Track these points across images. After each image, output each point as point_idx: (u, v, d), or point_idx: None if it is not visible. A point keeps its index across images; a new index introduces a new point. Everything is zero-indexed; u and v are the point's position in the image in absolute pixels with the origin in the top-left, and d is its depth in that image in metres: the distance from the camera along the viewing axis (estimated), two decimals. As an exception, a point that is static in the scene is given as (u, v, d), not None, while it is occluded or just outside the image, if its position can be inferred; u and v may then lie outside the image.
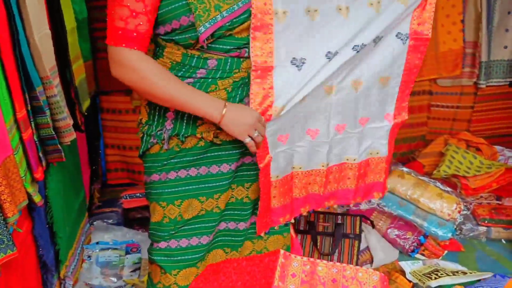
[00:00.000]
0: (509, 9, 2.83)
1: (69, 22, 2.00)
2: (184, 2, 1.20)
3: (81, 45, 2.20)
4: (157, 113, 1.38)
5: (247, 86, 1.36)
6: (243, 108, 1.33)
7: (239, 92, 1.35)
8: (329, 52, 1.43)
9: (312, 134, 1.59)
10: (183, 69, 1.31)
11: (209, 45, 1.28)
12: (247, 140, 1.32)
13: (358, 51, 1.45)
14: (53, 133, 1.54)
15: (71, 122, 1.70)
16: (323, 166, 1.66)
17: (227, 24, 1.25)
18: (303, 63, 1.42)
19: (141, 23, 1.20)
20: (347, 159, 1.70)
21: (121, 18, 1.19)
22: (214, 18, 1.22)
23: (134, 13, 1.18)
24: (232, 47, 1.31)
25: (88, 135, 2.45)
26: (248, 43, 1.32)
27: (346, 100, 1.58)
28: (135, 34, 1.20)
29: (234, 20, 1.26)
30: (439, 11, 2.78)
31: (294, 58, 1.41)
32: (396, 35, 1.54)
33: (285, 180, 1.62)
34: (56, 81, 1.67)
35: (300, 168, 1.63)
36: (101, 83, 2.59)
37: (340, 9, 1.40)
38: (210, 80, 1.31)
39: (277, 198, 1.61)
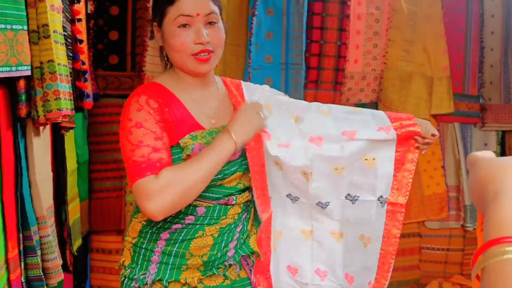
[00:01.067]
0: (484, 141, 3.02)
1: (71, 164, 2.11)
2: (178, 150, 1.27)
3: (79, 185, 2.29)
4: (141, 257, 1.34)
5: (232, 232, 1.37)
6: (239, 114, 1.33)
7: (225, 238, 1.35)
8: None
9: (292, 272, 1.58)
10: (173, 215, 1.29)
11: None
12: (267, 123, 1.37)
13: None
14: (42, 274, 1.52)
15: (61, 262, 1.69)
16: None
17: (220, 175, 1.29)
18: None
19: (163, 157, 1.20)
20: None
21: (143, 156, 1.19)
22: None
23: (155, 150, 1.20)
24: (221, 196, 1.34)
25: (76, 277, 2.39)
26: (236, 192, 1.36)
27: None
28: (158, 164, 1.19)
29: (226, 172, 1.31)
30: (420, 157, 2.93)
31: None
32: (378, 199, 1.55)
33: None
34: (51, 220, 1.70)
35: None
36: (94, 223, 2.61)
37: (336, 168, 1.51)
38: (198, 226, 1.32)
39: None
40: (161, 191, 1.16)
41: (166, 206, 1.17)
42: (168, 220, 1.30)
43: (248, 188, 1.43)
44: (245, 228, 1.42)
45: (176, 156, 1.26)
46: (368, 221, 1.54)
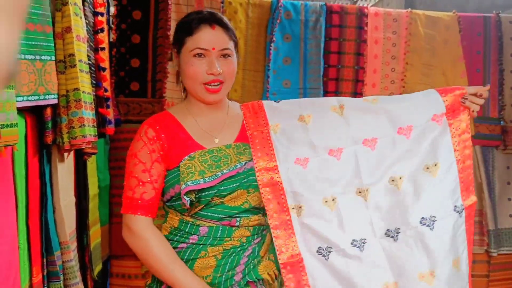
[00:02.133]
0: (508, 180, 2.98)
1: (93, 189, 2.14)
2: (178, 173, 1.32)
3: (100, 210, 2.31)
4: (156, 278, 1.39)
5: (238, 255, 1.36)
6: None
7: (229, 261, 1.35)
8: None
9: None
10: (179, 234, 1.37)
11: (201, 212, 1.34)
12: None
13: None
14: (64, 299, 1.53)
15: (82, 287, 1.69)
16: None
17: (214, 190, 1.31)
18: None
19: (146, 191, 1.31)
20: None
21: (130, 188, 1.32)
22: (196, 180, 1.28)
23: (141, 183, 1.31)
24: (223, 216, 1.34)
25: (95, 301, 2.39)
26: (240, 212, 1.35)
27: None
28: (139, 201, 1.31)
29: (221, 188, 1.32)
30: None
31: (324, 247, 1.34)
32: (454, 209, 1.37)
33: None
34: (74, 245, 1.72)
35: None
36: (114, 247, 2.62)
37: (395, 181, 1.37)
38: (201, 246, 1.34)
39: None
40: (136, 236, 1.32)
41: (131, 246, 1.34)
42: (175, 239, 1.37)
43: (260, 211, 1.39)
44: (256, 253, 1.39)
45: (175, 175, 1.34)
46: (452, 240, 1.33)
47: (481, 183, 2.94)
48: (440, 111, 1.39)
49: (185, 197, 1.28)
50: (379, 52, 2.88)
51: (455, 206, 1.35)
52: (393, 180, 1.36)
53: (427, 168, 1.35)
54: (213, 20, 1.35)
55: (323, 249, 1.34)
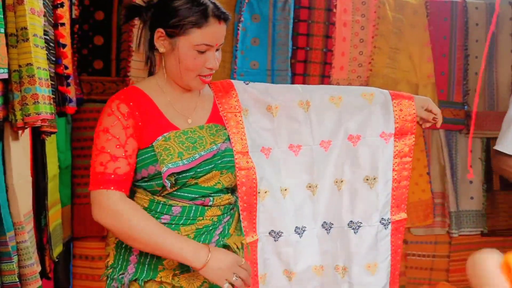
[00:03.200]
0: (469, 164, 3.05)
1: (52, 169, 2.08)
2: (152, 153, 1.29)
3: (61, 190, 2.26)
4: (121, 257, 1.38)
5: (210, 233, 1.37)
6: (224, 254, 1.31)
7: (201, 239, 1.35)
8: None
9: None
10: (149, 214, 1.33)
11: (175, 192, 1.33)
12: (225, 285, 1.28)
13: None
14: (17, 280, 1.50)
15: (38, 269, 1.66)
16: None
17: (191, 172, 1.32)
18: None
19: (120, 166, 1.27)
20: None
21: (101, 164, 1.27)
22: (175, 162, 1.28)
23: (114, 158, 1.26)
24: (197, 196, 1.35)
25: (57, 284, 2.35)
26: (213, 193, 1.37)
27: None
28: (112, 176, 1.26)
29: (198, 169, 1.33)
30: (406, 164, 2.97)
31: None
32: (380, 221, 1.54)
33: None
34: (29, 226, 1.68)
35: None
36: (76, 229, 2.58)
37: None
38: (173, 226, 1.33)
39: None
40: (112, 211, 1.26)
41: (106, 224, 1.28)
42: None
43: (229, 190, 1.43)
44: (226, 232, 1.42)
45: (148, 155, 1.31)
46: (371, 247, 1.52)
47: (444, 166, 3.01)
48: (389, 131, 1.52)
49: (166, 180, 1.27)
50: (348, 35, 2.87)
51: (382, 218, 1.52)
52: (336, 181, 1.53)
53: (367, 179, 1.52)
54: (222, 15, 1.32)
55: (274, 232, 1.49)
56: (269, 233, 1.49)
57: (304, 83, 2.84)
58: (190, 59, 1.31)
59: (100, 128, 1.30)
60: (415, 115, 1.51)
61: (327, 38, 2.83)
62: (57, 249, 2.15)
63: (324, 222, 1.52)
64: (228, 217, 1.43)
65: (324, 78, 2.85)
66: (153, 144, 1.30)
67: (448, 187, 3.00)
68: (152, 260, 1.34)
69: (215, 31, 1.31)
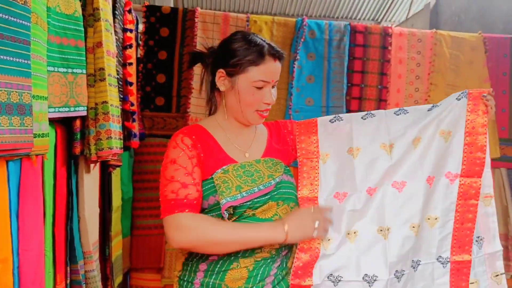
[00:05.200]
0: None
1: (116, 201, 2.17)
2: (212, 184, 1.35)
3: (122, 222, 2.34)
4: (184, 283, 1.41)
5: (268, 266, 1.39)
6: (296, 214, 1.37)
7: (260, 272, 1.37)
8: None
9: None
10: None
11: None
12: (314, 234, 1.35)
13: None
14: (85, 308, 1.55)
15: (103, 297, 1.71)
16: None
17: (248, 203, 1.35)
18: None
19: (190, 192, 1.31)
20: None
21: (172, 191, 1.31)
22: (234, 196, 1.32)
23: (184, 185, 1.31)
24: None
25: (114, 313, 2.41)
26: None
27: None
28: (185, 201, 1.30)
29: (255, 200, 1.37)
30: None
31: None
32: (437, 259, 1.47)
33: None
34: (96, 255, 1.74)
35: None
36: (134, 260, 2.64)
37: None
38: (232, 258, 1.36)
39: None
40: (190, 228, 1.28)
41: (188, 242, 1.29)
42: None
43: None
44: (284, 265, 1.43)
45: (208, 186, 1.35)
46: (430, 285, 1.46)
47: (507, 206, 2.88)
48: (455, 171, 1.46)
49: (225, 212, 1.32)
50: (403, 72, 2.87)
51: (440, 256, 1.46)
52: (413, 227, 1.45)
53: (428, 219, 1.47)
54: (277, 54, 1.41)
55: (333, 277, 1.42)
56: (328, 278, 1.42)
57: (359, 119, 2.84)
58: (249, 95, 1.39)
59: (167, 160, 1.36)
60: (484, 159, 1.45)
61: (382, 75, 2.84)
62: (118, 280, 2.21)
63: (396, 271, 1.42)
64: (286, 251, 1.44)
65: (380, 115, 2.84)
66: (213, 176, 1.35)
67: (511, 228, 2.85)
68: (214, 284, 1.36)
69: (271, 68, 1.40)
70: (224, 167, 1.36)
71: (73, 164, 1.60)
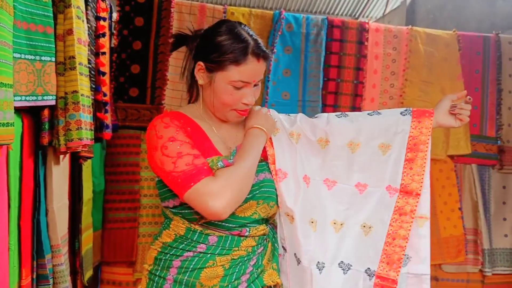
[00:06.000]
0: (503, 200, 2.98)
1: (87, 193, 2.12)
2: None
3: (93, 215, 2.29)
4: (155, 284, 1.35)
5: (245, 264, 1.35)
6: (262, 115, 1.40)
7: (236, 270, 1.34)
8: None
9: None
10: (185, 242, 1.33)
11: (212, 221, 1.32)
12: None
13: None
14: (53, 303, 1.51)
15: (72, 292, 1.67)
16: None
17: None
18: None
19: (204, 161, 1.25)
20: None
21: (187, 164, 1.23)
22: None
23: (196, 156, 1.25)
24: (234, 226, 1.33)
25: (84, 308, 2.36)
26: (250, 223, 1.35)
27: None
28: (205, 167, 1.24)
29: None
30: (437, 198, 2.92)
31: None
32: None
33: None
34: (65, 249, 1.70)
35: None
36: (106, 254, 2.60)
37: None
38: (209, 255, 1.32)
39: None
40: (223, 189, 1.21)
41: (230, 201, 1.22)
42: (180, 247, 1.32)
43: (264, 221, 1.42)
44: (260, 263, 1.40)
45: (189, 210, 1.30)
46: None
47: (477, 201, 2.94)
48: (395, 185, 1.41)
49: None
50: (379, 68, 2.89)
51: (368, 268, 1.40)
52: (334, 223, 1.44)
53: (364, 226, 1.43)
54: (261, 54, 1.32)
55: (297, 257, 1.42)
56: (294, 255, 1.43)
57: (334, 114, 2.86)
58: (226, 95, 1.31)
59: (163, 141, 1.26)
60: (422, 177, 1.38)
61: (358, 71, 2.86)
62: (88, 274, 2.16)
63: (341, 261, 1.42)
64: (262, 247, 1.41)
65: (355, 110, 2.86)
66: None
67: (481, 223, 2.93)
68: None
69: (252, 69, 1.30)
70: (208, 158, 1.30)
71: (41, 155, 1.54)
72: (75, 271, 1.95)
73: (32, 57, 1.38)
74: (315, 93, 2.81)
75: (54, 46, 1.48)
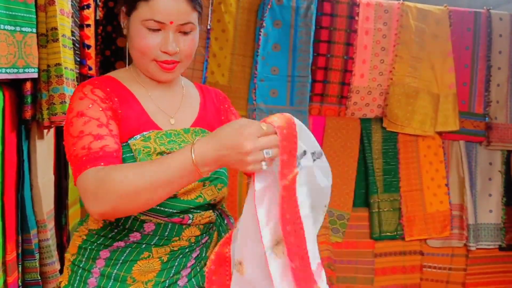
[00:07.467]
0: (489, 176, 3.01)
1: (73, 168, 2.10)
2: (128, 152, 1.08)
3: (80, 190, 2.27)
4: (78, 277, 1.12)
5: (186, 257, 1.15)
6: (222, 130, 0.94)
7: (176, 264, 1.14)
8: None
9: None
10: (115, 230, 1.11)
11: None
12: (264, 167, 0.91)
13: None
14: (39, 278, 1.51)
15: (59, 267, 1.67)
16: None
17: None
18: None
19: (108, 144, 1.01)
20: None
21: (83, 148, 1.00)
22: None
23: (98, 137, 1.01)
24: (174, 211, 1.10)
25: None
26: (193, 208, 1.13)
27: None
28: (101, 153, 0.99)
29: None
30: (424, 174, 2.95)
31: None
32: None
33: None
34: (51, 224, 1.69)
35: None
36: (94, 229, 2.59)
37: None
38: (144, 246, 1.11)
39: None
40: (105, 191, 0.93)
41: (110, 210, 0.94)
42: (109, 235, 1.11)
43: (210, 207, 1.19)
44: (204, 255, 1.20)
45: (124, 156, 1.07)
46: None
47: (464, 177, 2.97)
48: None
49: None
50: (369, 43, 2.86)
51: None
52: None
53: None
54: None
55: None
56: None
57: (324, 89, 2.84)
58: (140, 39, 1.08)
59: (72, 115, 1.05)
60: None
61: (348, 46, 2.83)
62: (75, 248, 2.16)
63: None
64: (207, 237, 1.20)
65: (344, 86, 2.85)
66: (129, 141, 1.08)
67: (466, 199, 2.96)
68: (115, 284, 1.10)
69: (166, 5, 1.06)
70: (145, 133, 1.09)
71: (24, 129, 1.52)
72: (62, 246, 1.94)
73: (12, 27, 1.34)
74: (305, 68, 2.79)
75: (35, 16, 1.43)
